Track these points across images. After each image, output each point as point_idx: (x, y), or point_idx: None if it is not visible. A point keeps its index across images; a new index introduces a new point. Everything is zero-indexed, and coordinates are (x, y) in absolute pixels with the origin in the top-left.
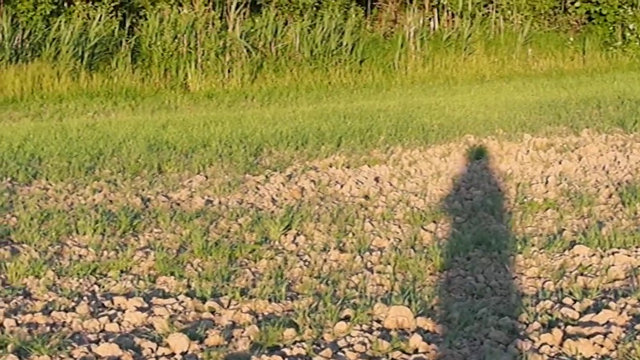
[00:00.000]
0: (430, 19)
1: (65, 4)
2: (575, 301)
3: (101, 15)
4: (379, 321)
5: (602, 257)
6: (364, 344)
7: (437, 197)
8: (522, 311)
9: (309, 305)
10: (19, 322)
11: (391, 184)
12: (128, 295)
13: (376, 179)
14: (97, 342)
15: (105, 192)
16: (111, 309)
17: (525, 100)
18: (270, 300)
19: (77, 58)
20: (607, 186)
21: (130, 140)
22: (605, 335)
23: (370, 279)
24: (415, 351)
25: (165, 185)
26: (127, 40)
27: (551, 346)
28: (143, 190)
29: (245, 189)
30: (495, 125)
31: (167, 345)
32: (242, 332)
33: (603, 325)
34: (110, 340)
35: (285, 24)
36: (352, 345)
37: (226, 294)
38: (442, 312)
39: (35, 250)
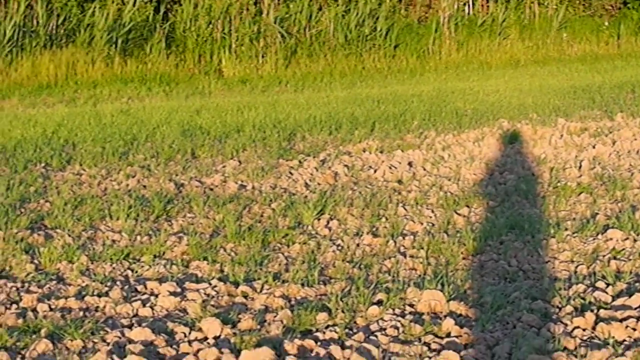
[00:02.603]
0: (464, 4)
1: None
2: (608, 285)
3: (135, 1)
4: (411, 305)
5: (635, 240)
6: (396, 327)
7: (471, 182)
8: (555, 295)
9: (341, 289)
10: (52, 307)
11: (424, 169)
12: (161, 280)
13: (409, 164)
14: (130, 326)
15: (138, 177)
16: (144, 293)
17: (560, 85)
18: (303, 284)
19: (111, 44)
20: None
21: (164, 125)
22: (638, 319)
23: (403, 263)
24: (448, 335)
25: (199, 171)
26: (161, 26)
27: (584, 330)
28: (177, 175)
29: (278, 174)
30: (529, 110)
31: (200, 330)
32: (275, 317)
33: (636, 308)
34: (143, 324)
35: (320, 9)
36: (385, 329)
37: (259, 279)
38: (475, 296)
39: (69, 236)
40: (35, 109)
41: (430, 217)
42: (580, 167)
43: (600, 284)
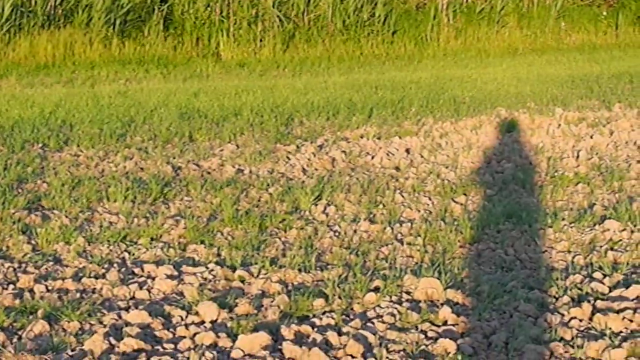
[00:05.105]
0: None
1: None
2: (605, 276)
3: None
4: (408, 293)
5: (632, 232)
6: (393, 315)
7: (468, 170)
8: (552, 285)
9: (338, 275)
10: (50, 288)
11: (422, 156)
12: (158, 263)
13: (407, 151)
14: (127, 309)
15: (136, 159)
16: (141, 276)
17: (558, 74)
18: (300, 270)
19: (109, 25)
20: (638, 161)
21: (162, 108)
22: (634, 310)
23: (400, 251)
24: (445, 323)
25: (196, 154)
26: (159, 8)
27: (580, 320)
28: (174, 158)
29: (276, 159)
30: (527, 99)
31: (197, 314)
32: (272, 302)
33: (633, 300)
34: (140, 307)
35: None
36: (382, 316)
37: (256, 263)
38: (472, 285)
39: (66, 217)
40: (32, 89)
41: (428, 204)
42: (577, 157)
43: (597, 275)
